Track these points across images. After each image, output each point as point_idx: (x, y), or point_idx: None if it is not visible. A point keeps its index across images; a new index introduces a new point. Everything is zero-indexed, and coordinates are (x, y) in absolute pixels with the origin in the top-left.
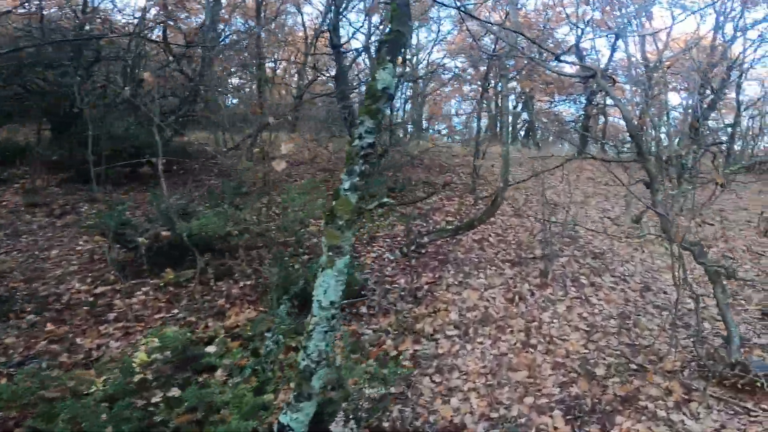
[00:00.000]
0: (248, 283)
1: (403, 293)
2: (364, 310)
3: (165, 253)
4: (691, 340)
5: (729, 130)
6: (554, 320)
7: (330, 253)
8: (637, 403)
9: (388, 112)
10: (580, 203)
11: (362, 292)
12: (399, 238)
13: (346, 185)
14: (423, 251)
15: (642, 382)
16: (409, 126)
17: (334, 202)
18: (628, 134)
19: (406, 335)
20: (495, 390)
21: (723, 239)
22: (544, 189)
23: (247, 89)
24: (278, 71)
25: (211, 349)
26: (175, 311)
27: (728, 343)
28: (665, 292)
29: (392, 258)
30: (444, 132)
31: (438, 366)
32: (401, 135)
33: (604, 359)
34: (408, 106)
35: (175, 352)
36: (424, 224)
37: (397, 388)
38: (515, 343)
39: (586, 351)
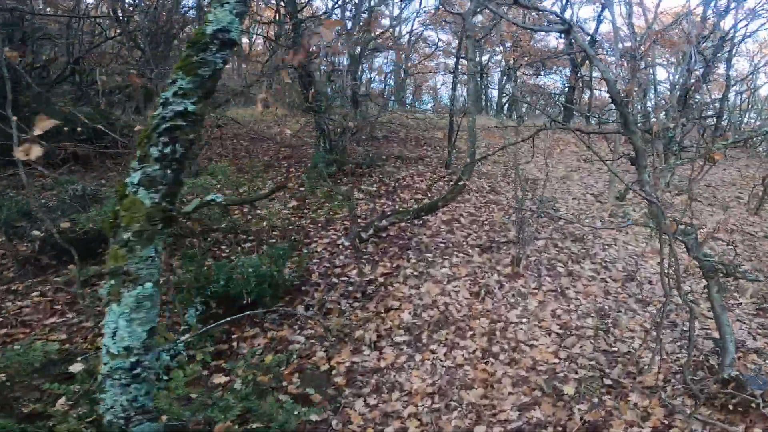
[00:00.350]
0: (161, 280)
1: (351, 288)
2: (302, 310)
3: (76, 245)
4: (678, 346)
5: (717, 104)
6: (523, 320)
7: (113, 282)
8: None
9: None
10: (562, 178)
11: (303, 287)
12: (361, 219)
13: (136, 178)
14: (384, 235)
15: (616, 402)
16: (390, 99)
17: (117, 205)
18: (612, 105)
19: (345, 342)
20: (441, 416)
21: (713, 220)
22: (517, 162)
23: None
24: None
25: (77, 366)
26: (70, 315)
27: (721, 353)
28: (650, 282)
29: (347, 244)
30: (430, 106)
31: (377, 383)
32: (376, 107)
33: (576, 372)
34: (392, 81)
35: (26, 370)
36: (390, 203)
37: (320, 415)
38: (474, 351)
39: (556, 361)
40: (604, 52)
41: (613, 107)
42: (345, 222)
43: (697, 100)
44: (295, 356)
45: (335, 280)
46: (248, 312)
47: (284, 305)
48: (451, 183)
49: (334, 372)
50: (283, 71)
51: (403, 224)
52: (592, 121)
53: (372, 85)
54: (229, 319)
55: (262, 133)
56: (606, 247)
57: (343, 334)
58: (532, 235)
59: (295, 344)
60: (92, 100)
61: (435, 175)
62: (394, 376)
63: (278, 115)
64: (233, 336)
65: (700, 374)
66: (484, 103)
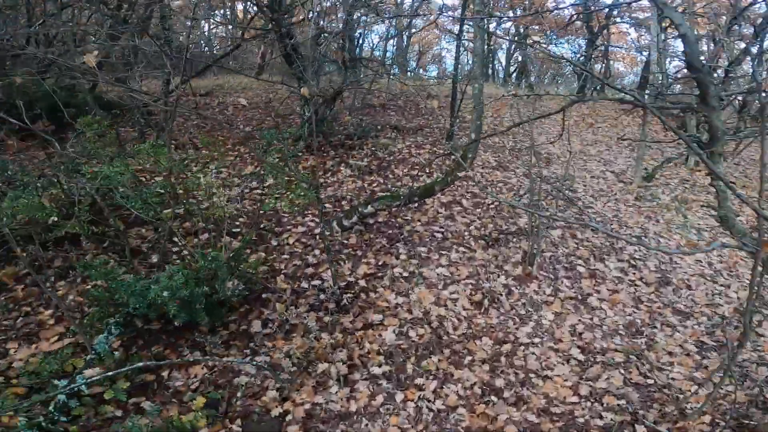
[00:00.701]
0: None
1: (323, 296)
2: (258, 327)
3: None
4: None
5: None
6: (535, 339)
7: None
8: None
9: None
10: (578, 153)
11: (263, 296)
12: (346, 201)
13: None
14: (371, 221)
15: None
16: (391, 65)
17: None
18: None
19: (307, 375)
20: None
21: None
22: (533, 140)
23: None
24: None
25: None
26: None
27: None
28: (689, 286)
29: (327, 233)
30: (432, 73)
31: None
32: (371, 73)
33: (600, 417)
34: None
35: None
36: (381, 180)
37: None
38: (472, 386)
39: (575, 399)
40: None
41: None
42: (329, 203)
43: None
44: (240, 394)
45: (305, 284)
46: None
47: (238, 318)
48: (453, 159)
49: (288, 417)
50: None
51: (394, 208)
52: (612, 93)
53: (375, 53)
54: (140, 365)
55: (250, 101)
56: (633, 239)
57: (307, 362)
58: (545, 225)
59: (242, 376)
60: (60, 73)
61: (435, 148)
62: (367, 425)
63: (271, 82)
64: (165, 360)
65: (754, 413)
66: (490, 71)
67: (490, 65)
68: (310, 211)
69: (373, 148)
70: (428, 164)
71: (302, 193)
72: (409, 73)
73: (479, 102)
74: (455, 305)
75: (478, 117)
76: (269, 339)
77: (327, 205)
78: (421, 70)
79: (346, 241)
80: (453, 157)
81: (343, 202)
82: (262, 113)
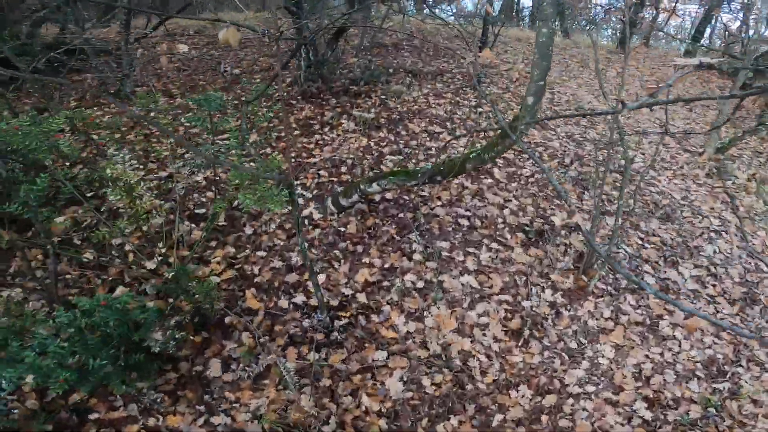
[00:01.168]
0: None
1: (306, 323)
2: (217, 370)
3: None
4: None
5: None
6: (589, 386)
7: None
8: None
9: None
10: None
11: (225, 320)
12: (346, 168)
13: None
14: (377, 200)
15: None
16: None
17: None
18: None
19: None
20: None
21: None
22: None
23: None
24: None
25: None
26: None
27: None
28: None
29: (320, 215)
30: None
31: None
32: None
33: None
34: None
35: None
36: (393, 138)
37: None
38: None
39: None
40: None
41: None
42: (325, 169)
43: None
44: None
45: (284, 301)
46: None
47: (191, 354)
48: (480, 112)
49: None
50: None
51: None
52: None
53: None
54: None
55: (245, 36)
56: (707, 232)
57: (281, 430)
58: (600, 211)
59: None
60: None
61: (458, 97)
62: None
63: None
64: (90, 418)
65: None
66: (514, 12)
67: (514, 6)
68: (301, 180)
69: (383, 97)
70: (470, 134)
71: (274, 196)
72: (427, 11)
73: (546, 52)
74: (485, 334)
75: (542, 73)
76: (232, 389)
77: (322, 173)
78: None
79: (342, 229)
80: (485, 105)
81: (342, 169)
82: (257, 53)
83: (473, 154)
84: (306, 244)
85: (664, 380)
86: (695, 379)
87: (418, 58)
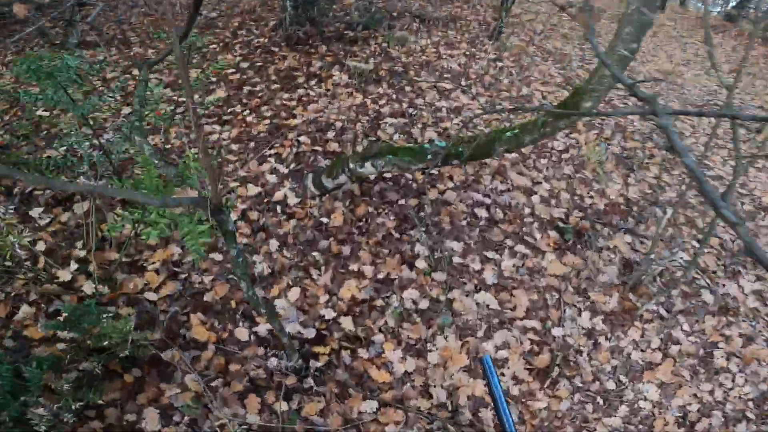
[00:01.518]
0: None
1: (274, 362)
2: (154, 423)
3: None
4: None
5: None
6: None
7: None
8: None
9: None
10: (670, 75)
11: (164, 353)
12: (335, 132)
13: None
14: (372, 179)
15: None
16: None
17: None
18: None
19: None
20: None
21: None
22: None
23: None
24: None
25: None
26: None
27: None
28: None
29: (297, 198)
30: None
31: None
32: None
33: None
34: None
35: None
36: (394, 96)
37: None
38: None
39: None
40: None
41: None
42: (312, 132)
43: None
44: None
45: (242, 330)
46: None
47: (121, 399)
48: (501, 66)
49: None
50: None
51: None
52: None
53: None
54: None
55: None
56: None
57: None
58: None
59: None
60: None
61: (474, 47)
62: None
63: None
64: None
65: None
66: None
67: None
68: (277, 146)
69: (384, 45)
70: (464, 72)
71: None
72: None
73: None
74: (503, 374)
75: (638, 32)
76: None
77: (303, 139)
78: None
79: (325, 220)
80: (507, 58)
81: (330, 135)
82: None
83: (508, 134)
84: (258, 297)
85: (710, 425)
86: (744, 421)
87: (427, 0)
